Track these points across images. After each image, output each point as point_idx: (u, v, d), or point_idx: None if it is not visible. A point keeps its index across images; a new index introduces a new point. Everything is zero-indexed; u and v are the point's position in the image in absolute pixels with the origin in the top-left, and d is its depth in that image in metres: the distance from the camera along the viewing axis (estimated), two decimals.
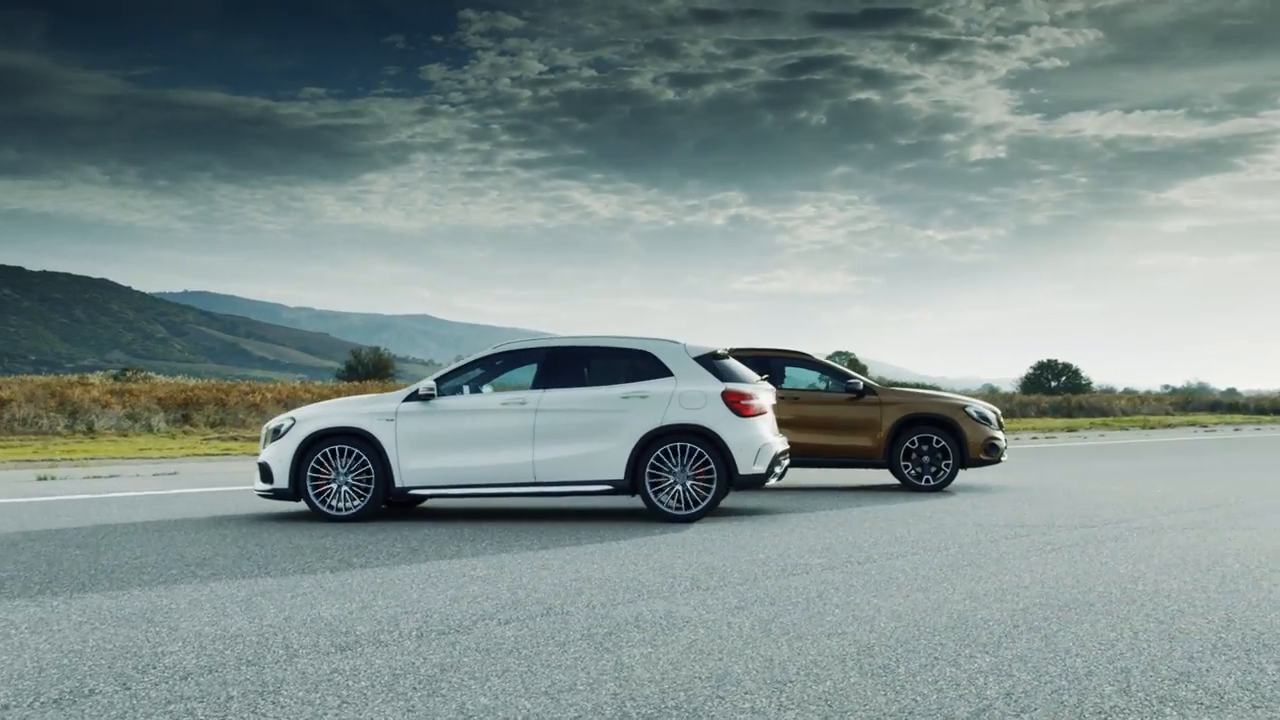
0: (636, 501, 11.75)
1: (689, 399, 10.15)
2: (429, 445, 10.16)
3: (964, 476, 15.93)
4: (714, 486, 10.08)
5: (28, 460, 21.28)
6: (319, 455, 10.18)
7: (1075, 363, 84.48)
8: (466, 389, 10.57)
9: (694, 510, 10.07)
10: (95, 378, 47.07)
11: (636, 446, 10.05)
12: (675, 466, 10.08)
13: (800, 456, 13.96)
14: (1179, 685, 4.40)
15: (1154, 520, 10.21)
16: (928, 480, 13.72)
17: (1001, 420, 14.46)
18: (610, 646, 5.05)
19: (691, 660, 4.80)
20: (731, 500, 12.33)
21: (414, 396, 10.30)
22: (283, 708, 4.11)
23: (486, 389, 10.66)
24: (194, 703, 4.16)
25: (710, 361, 10.49)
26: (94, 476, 17.04)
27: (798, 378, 14.85)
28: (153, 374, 54.88)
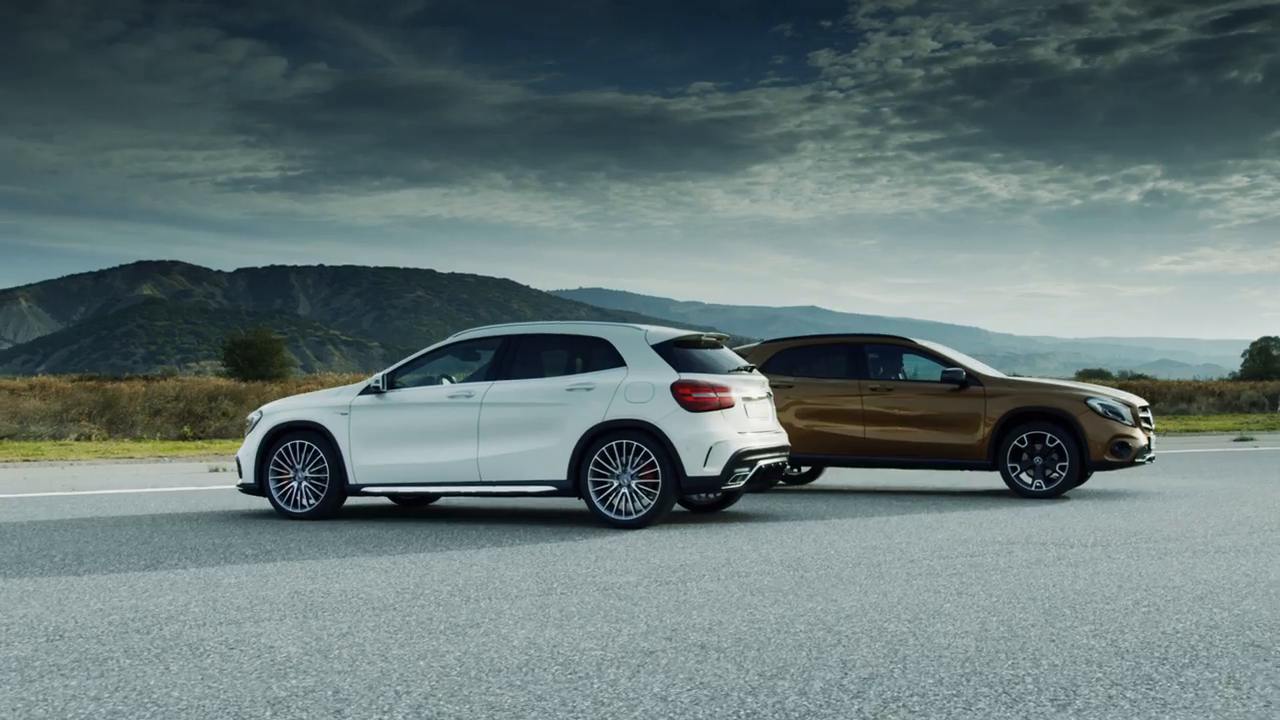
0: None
1: (635, 391, 9.08)
2: (379, 441, 9.69)
3: (1109, 480, 13.64)
4: (659, 490, 8.99)
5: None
6: (280, 450, 9.98)
7: None
8: (444, 379, 10.07)
9: (636, 516, 9.01)
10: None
11: (579, 444, 9.08)
12: (617, 467, 9.09)
13: (888, 456, 12.43)
14: None
15: (1222, 542, 8.17)
16: (1039, 485, 11.76)
17: (1142, 415, 12.17)
18: (34, 678, 4.39)
19: (55, 701, 4.07)
20: (750, 503, 11.04)
21: (369, 389, 9.88)
22: None
23: (444, 381, 10.05)
24: None
25: (671, 350, 9.34)
26: None
27: (920, 367, 13.22)
28: None
